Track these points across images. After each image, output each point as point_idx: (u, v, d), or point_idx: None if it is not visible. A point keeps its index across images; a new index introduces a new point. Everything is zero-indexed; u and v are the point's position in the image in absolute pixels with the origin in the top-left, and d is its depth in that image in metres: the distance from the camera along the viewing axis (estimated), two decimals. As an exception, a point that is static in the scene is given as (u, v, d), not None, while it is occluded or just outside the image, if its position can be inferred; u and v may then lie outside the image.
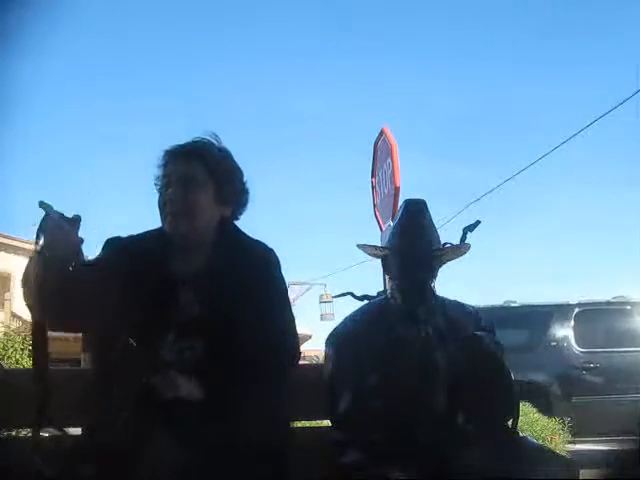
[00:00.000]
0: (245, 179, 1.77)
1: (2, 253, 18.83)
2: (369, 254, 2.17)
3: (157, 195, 1.72)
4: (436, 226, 2.10)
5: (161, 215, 1.70)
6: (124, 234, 1.78)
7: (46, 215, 1.47)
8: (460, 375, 1.83)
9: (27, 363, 11.22)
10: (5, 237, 18.91)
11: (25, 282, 1.54)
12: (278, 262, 1.74)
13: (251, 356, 1.53)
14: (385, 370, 1.87)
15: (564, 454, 3.38)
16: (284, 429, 1.64)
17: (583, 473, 1.85)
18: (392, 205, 5.23)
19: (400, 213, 2.13)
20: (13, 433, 2.23)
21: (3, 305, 17.52)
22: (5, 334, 12.57)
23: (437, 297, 2.03)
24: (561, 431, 7.30)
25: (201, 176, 1.66)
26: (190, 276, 1.64)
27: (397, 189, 5.44)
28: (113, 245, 1.73)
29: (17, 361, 11.24)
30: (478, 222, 2.14)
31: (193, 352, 1.56)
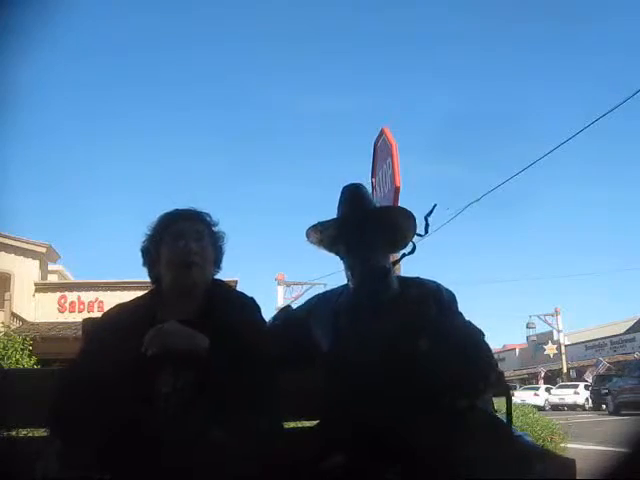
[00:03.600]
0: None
1: (2, 253, 18.81)
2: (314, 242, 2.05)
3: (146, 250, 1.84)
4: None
5: (152, 268, 1.82)
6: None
7: None
8: (411, 356, 1.73)
9: (27, 363, 11.21)
10: (5, 237, 18.88)
11: None
12: (259, 307, 1.89)
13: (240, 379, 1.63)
14: (334, 354, 1.84)
15: (561, 453, 3.37)
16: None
17: (580, 472, 1.84)
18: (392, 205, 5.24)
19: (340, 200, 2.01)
20: (13, 433, 2.23)
21: (3, 305, 17.49)
22: (5, 334, 12.54)
23: (392, 276, 1.95)
24: (560, 431, 7.31)
25: (207, 235, 1.83)
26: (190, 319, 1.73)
27: (397, 189, 5.45)
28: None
29: (17, 361, 11.20)
30: (435, 206, 2.11)
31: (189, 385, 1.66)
